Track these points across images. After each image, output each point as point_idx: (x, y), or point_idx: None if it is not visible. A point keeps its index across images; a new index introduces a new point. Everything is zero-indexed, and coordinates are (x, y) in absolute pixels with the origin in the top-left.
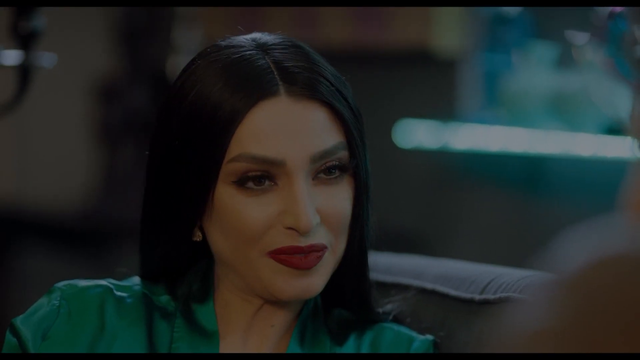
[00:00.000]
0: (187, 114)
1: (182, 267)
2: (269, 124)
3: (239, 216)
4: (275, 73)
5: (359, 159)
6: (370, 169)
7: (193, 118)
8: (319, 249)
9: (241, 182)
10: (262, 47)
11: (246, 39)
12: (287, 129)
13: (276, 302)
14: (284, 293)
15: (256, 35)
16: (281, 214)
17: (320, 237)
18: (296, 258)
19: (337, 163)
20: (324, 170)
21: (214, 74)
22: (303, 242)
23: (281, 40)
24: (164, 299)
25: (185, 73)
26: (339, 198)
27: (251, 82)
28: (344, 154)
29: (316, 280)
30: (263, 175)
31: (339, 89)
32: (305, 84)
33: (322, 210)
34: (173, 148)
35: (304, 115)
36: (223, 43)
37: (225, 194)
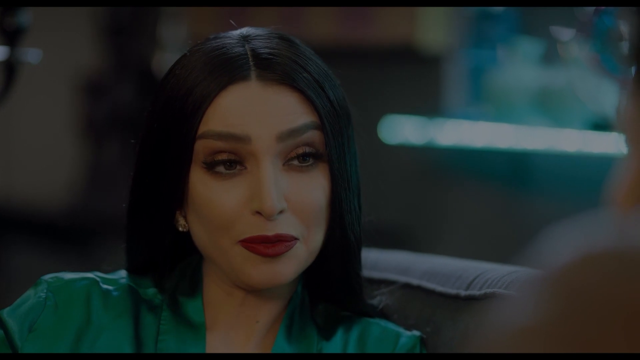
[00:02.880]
0: (167, 97)
1: (169, 260)
2: (236, 105)
3: (209, 202)
4: (250, 59)
5: (331, 147)
6: (350, 158)
7: (170, 101)
8: (287, 239)
9: (211, 165)
10: (245, 38)
11: (234, 32)
12: (254, 110)
13: (259, 296)
14: (252, 279)
15: (246, 29)
16: (249, 200)
17: (288, 227)
18: (263, 245)
19: (309, 150)
20: (297, 157)
21: (194, 60)
22: (270, 231)
23: (268, 32)
24: (151, 291)
25: (174, 63)
26: (310, 186)
27: (224, 67)
28: (314, 134)
29: (285, 268)
30: (232, 159)
31: (317, 79)
32: (278, 70)
33: (290, 197)
34: (154, 131)
35: (273, 99)
36: (212, 36)
37: (198, 180)
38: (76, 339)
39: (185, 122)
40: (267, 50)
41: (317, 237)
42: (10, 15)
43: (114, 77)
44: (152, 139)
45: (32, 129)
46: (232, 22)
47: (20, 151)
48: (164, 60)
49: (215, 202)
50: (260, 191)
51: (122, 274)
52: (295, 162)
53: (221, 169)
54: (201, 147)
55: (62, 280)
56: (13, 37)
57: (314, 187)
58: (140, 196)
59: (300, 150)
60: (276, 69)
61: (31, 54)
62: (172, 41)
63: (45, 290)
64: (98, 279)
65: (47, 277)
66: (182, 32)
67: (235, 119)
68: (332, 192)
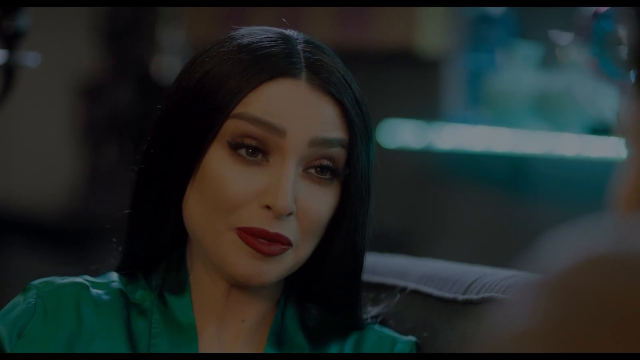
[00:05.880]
0: (205, 72)
1: (158, 255)
2: (281, 97)
3: (221, 180)
4: (302, 60)
5: (355, 164)
6: (369, 178)
7: (209, 77)
8: (284, 242)
9: (236, 146)
10: (289, 37)
11: (274, 29)
12: (296, 108)
13: (242, 292)
14: (237, 270)
15: (289, 30)
16: (262, 192)
17: (289, 231)
18: (259, 242)
19: (329, 164)
20: (316, 167)
21: (242, 44)
22: (272, 229)
23: (304, 36)
24: (140, 294)
25: (213, 43)
26: (320, 199)
27: (277, 58)
28: (340, 152)
29: (271, 270)
30: (259, 148)
31: (359, 100)
32: (326, 78)
33: (300, 203)
34: (182, 102)
35: (317, 104)
36: (244, 29)
37: (218, 156)
38: (68, 345)
39: (223, 98)
40: (316, 56)
41: (307, 249)
42: (9, 18)
43: (113, 80)
44: (178, 111)
45: (30, 132)
46: (245, 21)
47: (19, 154)
48: (162, 63)
49: (228, 182)
50: (278, 188)
51: (112, 277)
52: (313, 172)
53: (243, 152)
54: (232, 126)
55: (52, 285)
56: (11, 41)
57: (324, 201)
58: (149, 173)
59: (324, 162)
60: (324, 76)
61: (30, 57)
62: (171, 44)
63: (34, 296)
64: (88, 283)
65: (37, 282)
66: (180, 35)
67: (276, 110)
68: (343, 209)
